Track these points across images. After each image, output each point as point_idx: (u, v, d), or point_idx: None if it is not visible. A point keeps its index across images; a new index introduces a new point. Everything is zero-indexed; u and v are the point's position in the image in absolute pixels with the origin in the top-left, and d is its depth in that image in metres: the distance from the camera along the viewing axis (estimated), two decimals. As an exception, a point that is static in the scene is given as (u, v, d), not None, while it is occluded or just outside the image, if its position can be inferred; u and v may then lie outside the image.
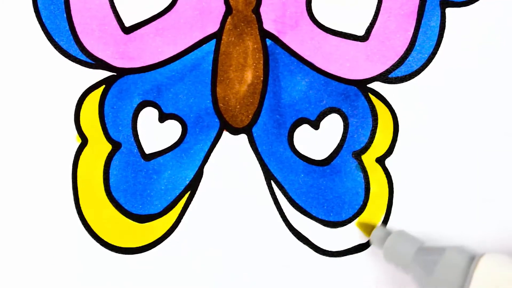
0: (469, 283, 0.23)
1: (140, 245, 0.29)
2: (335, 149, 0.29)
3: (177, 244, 0.29)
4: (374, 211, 0.29)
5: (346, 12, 0.29)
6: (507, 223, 0.29)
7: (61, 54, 0.29)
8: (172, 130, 0.29)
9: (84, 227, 0.29)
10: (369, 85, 0.29)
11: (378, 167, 0.29)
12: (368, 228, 0.28)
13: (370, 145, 0.29)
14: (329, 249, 0.29)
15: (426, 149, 0.29)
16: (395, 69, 0.29)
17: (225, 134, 0.29)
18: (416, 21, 0.29)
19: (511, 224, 0.29)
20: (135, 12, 0.29)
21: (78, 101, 0.29)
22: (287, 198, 0.29)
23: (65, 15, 0.29)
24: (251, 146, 0.29)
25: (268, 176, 0.29)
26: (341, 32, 0.29)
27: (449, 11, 0.29)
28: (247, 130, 0.29)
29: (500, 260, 0.24)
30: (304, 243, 0.29)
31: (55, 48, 0.29)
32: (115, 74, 0.29)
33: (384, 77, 0.29)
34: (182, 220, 0.29)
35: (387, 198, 0.29)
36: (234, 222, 0.29)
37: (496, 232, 0.29)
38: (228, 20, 0.29)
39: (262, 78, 0.29)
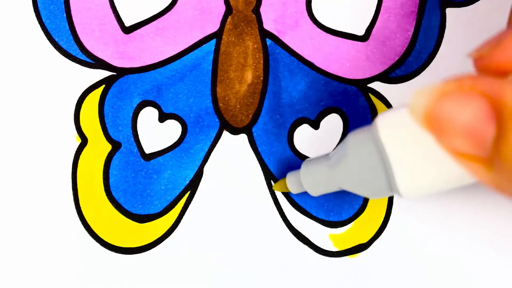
0: (382, 145, 0.22)
1: (140, 245, 0.29)
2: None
3: (177, 244, 0.29)
4: (374, 211, 0.29)
5: (346, 12, 0.29)
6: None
7: (61, 54, 0.29)
8: (172, 130, 0.29)
9: (84, 227, 0.29)
10: (369, 85, 0.29)
11: (378, 167, 0.29)
12: (284, 187, 0.28)
13: (370, 145, 0.29)
14: (329, 249, 0.29)
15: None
16: (395, 69, 0.29)
17: (225, 134, 0.29)
18: (416, 21, 0.29)
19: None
20: (135, 12, 0.29)
21: (78, 101, 0.29)
22: (287, 198, 0.29)
23: (65, 15, 0.29)
24: (251, 146, 0.29)
25: (268, 176, 0.29)
26: (341, 32, 0.29)
27: (449, 11, 0.29)
28: (247, 130, 0.29)
29: (397, 113, 0.22)
30: (304, 243, 0.29)
31: (55, 48, 0.29)
32: (115, 74, 0.29)
33: (384, 77, 0.29)
34: (182, 220, 0.29)
35: (387, 198, 0.29)
36: (234, 222, 0.29)
37: (499, 236, 0.29)
38: (228, 20, 0.29)
39: (262, 78, 0.29)
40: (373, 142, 0.22)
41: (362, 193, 0.24)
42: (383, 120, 0.22)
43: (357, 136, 0.23)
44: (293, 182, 0.27)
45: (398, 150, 0.21)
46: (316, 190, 0.26)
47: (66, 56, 0.29)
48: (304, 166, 0.26)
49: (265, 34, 0.29)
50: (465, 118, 0.18)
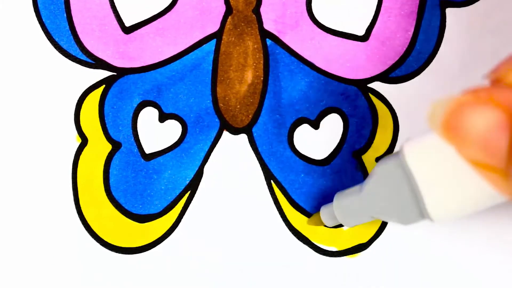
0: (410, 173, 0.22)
1: (140, 245, 0.29)
2: (335, 149, 0.29)
3: (177, 244, 0.29)
4: (374, 211, 0.29)
5: (346, 12, 0.29)
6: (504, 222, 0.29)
7: (61, 54, 0.29)
8: (172, 130, 0.29)
9: (84, 227, 0.29)
10: (369, 85, 0.29)
11: (378, 167, 0.29)
12: (318, 221, 0.28)
13: (370, 145, 0.29)
14: (329, 249, 0.29)
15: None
16: (395, 69, 0.29)
17: (225, 134, 0.29)
18: (416, 21, 0.29)
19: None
20: (135, 12, 0.29)
21: (78, 101, 0.29)
22: (287, 198, 0.29)
23: (65, 15, 0.29)
24: (251, 146, 0.29)
25: (268, 176, 0.29)
26: (341, 32, 0.29)
27: (449, 11, 0.29)
28: (247, 130, 0.29)
29: (424, 141, 0.22)
30: (304, 243, 0.29)
31: (55, 48, 0.29)
32: (115, 74, 0.29)
33: (384, 77, 0.29)
34: (182, 220, 0.29)
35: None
36: (234, 222, 0.29)
37: (500, 236, 0.29)
38: (228, 20, 0.29)
39: (262, 78, 0.29)
40: (401, 169, 0.22)
41: (394, 220, 0.24)
42: (410, 147, 0.22)
43: (385, 164, 0.23)
44: (327, 215, 0.27)
45: (426, 175, 0.22)
46: (350, 221, 0.26)
47: (66, 56, 0.29)
48: (337, 198, 0.26)
49: (265, 34, 0.29)
50: (480, 127, 0.19)
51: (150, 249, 0.29)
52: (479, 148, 0.19)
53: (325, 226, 0.27)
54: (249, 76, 0.29)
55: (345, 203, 0.26)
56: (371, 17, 0.29)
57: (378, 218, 0.25)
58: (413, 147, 0.22)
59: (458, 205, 0.22)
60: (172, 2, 0.29)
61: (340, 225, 0.28)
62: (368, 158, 0.29)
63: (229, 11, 0.29)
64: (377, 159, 0.29)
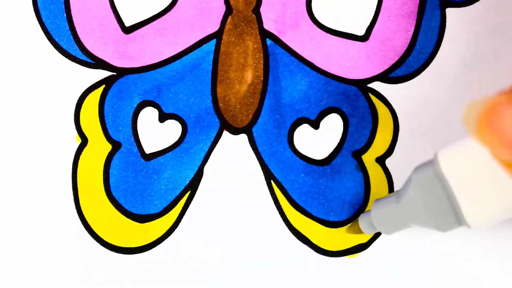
0: (446, 180, 0.22)
1: (140, 245, 0.29)
2: (335, 148, 0.29)
3: (177, 244, 0.29)
4: (374, 211, 0.29)
5: (346, 12, 0.29)
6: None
7: (61, 54, 0.29)
8: (172, 130, 0.29)
9: (84, 227, 0.29)
10: (369, 85, 0.29)
11: (378, 167, 0.29)
12: (357, 229, 0.28)
13: (370, 145, 0.29)
14: (329, 249, 0.29)
15: (426, 149, 0.29)
16: (395, 69, 0.29)
17: (225, 134, 0.29)
18: (416, 21, 0.29)
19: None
20: (135, 12, 0.29)
21: (78, 101, 0.29)
22: (287, 198, 0.29)
23: (65, 15, 0.29)
24: (251, 146, 0.29)
25: (268, 176, 0.29)
26: (341, 32, 0.29)
27: (449, 11, 0.29)
28: (247, 130, 0.29)
29: (458, 148, 0.22)
30: (304, 243, 0.29)
31: (55, 48, 0.29)
32: (115, 74, 0.29)
33: (384, 77, 0.29)
34: (182, 220, 0.29)
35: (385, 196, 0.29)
36: (234, 222, 0.29)
37: (501, 236, 0.29)
38: (228, 20, 0.29)
39: (262, 78, 0.29)
40: (436, 177, 0.22)
41: (432, 228, 0.24)
42: (443, 154, 0.22)
43: (420, 173, 0.23)
44: (366, 224, 0.27)
45: (461, 182, 0.22)
46: (388, 230, 0.26)
47: (66, 56, 0.29)
48: (374, 207, 0.26)
49: (265, 34, 0.29)
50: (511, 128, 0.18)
51: (150, 249, 0.29)
52: (509, 149, 0.18)
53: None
54: (249, 76, 0.29)
55: (383, 212, 0.26)
56: (371, 17, 0.29)
57: (416, 225, 0.25)
58: (447, 154, 0.22)
59: (494, 211, 0.22)
60: (172, 2, 0.29)
61: (379, 233, 0.28)
62: (368, 158, 0.29)
63: (229, 11, 0.29)
64: (378, 159, 0.29)
